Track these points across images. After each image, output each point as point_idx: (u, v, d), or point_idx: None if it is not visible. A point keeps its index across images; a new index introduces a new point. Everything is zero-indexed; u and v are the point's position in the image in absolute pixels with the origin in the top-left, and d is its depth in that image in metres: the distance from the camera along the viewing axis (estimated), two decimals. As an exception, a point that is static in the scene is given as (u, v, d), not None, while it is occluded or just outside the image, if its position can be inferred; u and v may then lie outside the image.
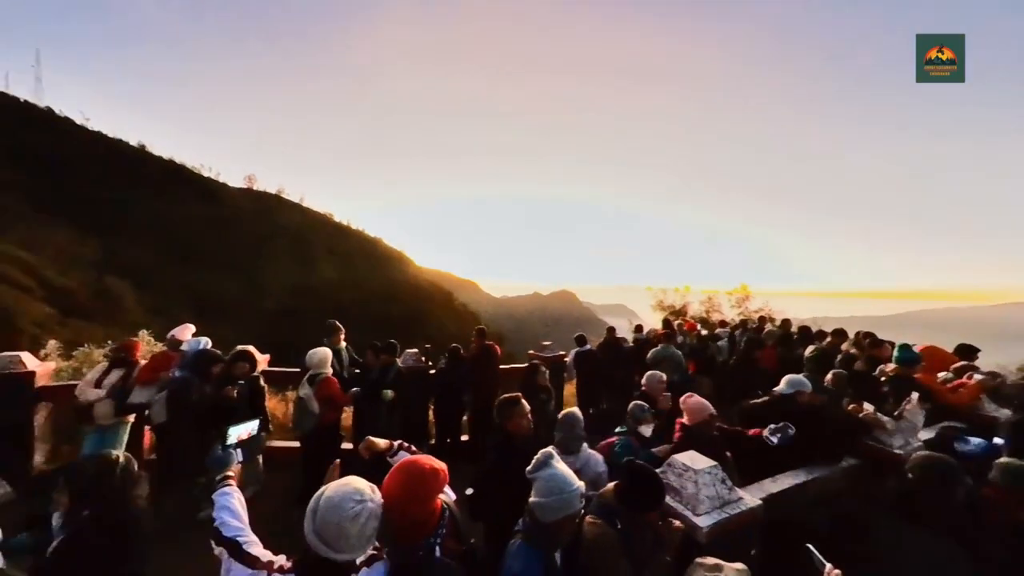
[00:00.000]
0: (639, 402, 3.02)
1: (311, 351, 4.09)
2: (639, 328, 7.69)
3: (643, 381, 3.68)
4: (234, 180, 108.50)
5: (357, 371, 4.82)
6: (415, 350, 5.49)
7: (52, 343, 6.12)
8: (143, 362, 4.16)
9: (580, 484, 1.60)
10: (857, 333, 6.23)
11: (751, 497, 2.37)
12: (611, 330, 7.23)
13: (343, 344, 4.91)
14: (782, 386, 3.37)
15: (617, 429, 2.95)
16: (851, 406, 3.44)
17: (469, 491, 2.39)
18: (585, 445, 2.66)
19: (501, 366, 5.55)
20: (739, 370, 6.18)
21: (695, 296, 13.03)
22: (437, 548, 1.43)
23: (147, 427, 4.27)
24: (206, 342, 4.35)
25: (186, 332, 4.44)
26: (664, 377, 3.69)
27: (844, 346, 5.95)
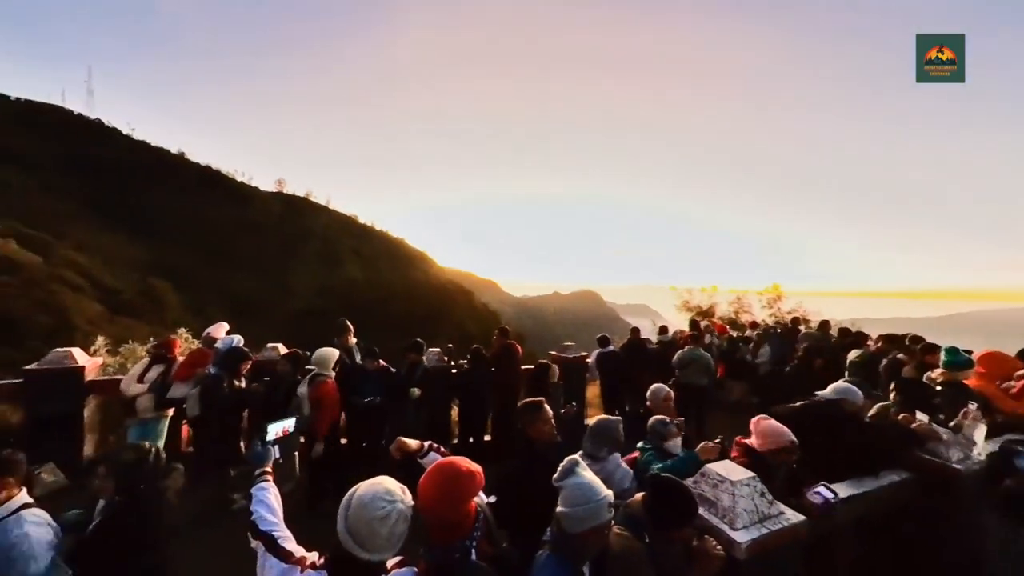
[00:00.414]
0: (661, 417, 2.75)
1: (317, 350, 4.01)
2: (663, 329, 7.45)
3: (647, 397, 3.34)
4: (265, 184, 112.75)
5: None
6: (438, 349, 5.52)
7: (101, 339, 6.46)
8: (181, 359, 4.38)
9: (608, 493, 1.54)
10: (906, 336, 5.81)
11: (793, 513, 2.20)
12: (635, 331, 7.03)
13: (352, 342, 4.83)
14: (828, 392, 3.11)
15: (640, 445, 2.70)
16: (901, 416, 3.19)
17: (492, 499, 2.27)
18: (617, 456, 2.56)
19: (522, 367, 5.51)
20: (797, 378, 5.54)
21: (723, 296, 12.45)
22: (472, 551, 1.43)
23: (184, 421, 4.46)
24: (238, 340, 4.51)
25: (220, 330, 4.61)
26: (671, 393, 3.32)
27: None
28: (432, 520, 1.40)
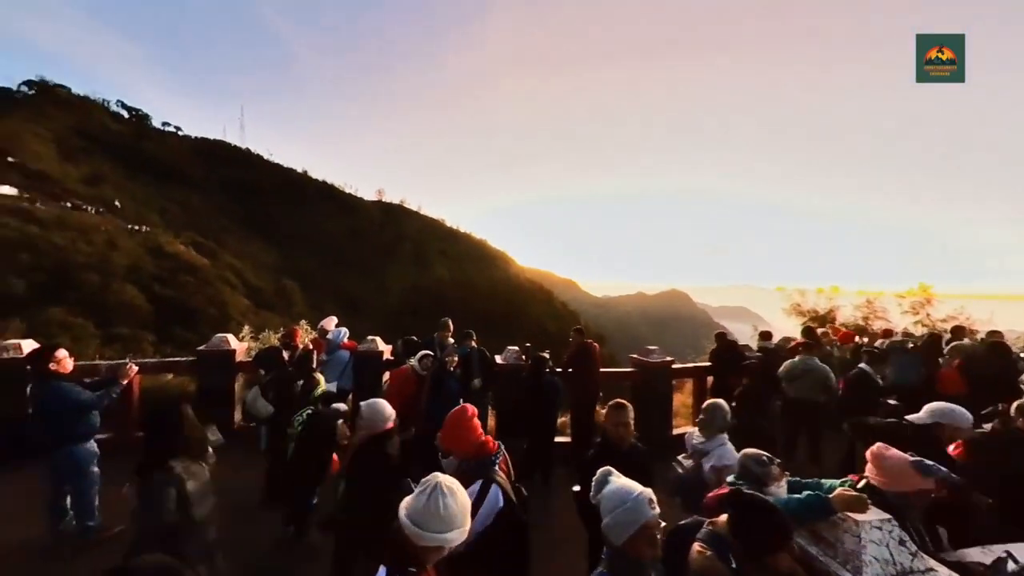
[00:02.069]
0: (756, 453, 2.15)
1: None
2: (766, 335, 6.44)
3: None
4: (367, 193, 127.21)
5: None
6: (516, 348, 5.38)
7: (247, 328, 7.35)
8: (301, 346, 4.90)
9: (645, 490, 1.45)
10: None
11: (950, 573, 1.67)
12: (721, 336, 6.14)
13: (451, 341, 4.98)
14: (922, 415, 2.65)
15: (729, 480, 2.18)
16: None
17: (576, 488, 2.34)
18: (724, 436, 2.66)
19: (602, 368, 5.27)
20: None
21: (847, 299, 10.36)
22: (495, 468, 1.98)
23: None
24: (345, 332, 5.31)
25: (330, 323, 5.29)
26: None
27: None
28: (460, 450, 2.04)
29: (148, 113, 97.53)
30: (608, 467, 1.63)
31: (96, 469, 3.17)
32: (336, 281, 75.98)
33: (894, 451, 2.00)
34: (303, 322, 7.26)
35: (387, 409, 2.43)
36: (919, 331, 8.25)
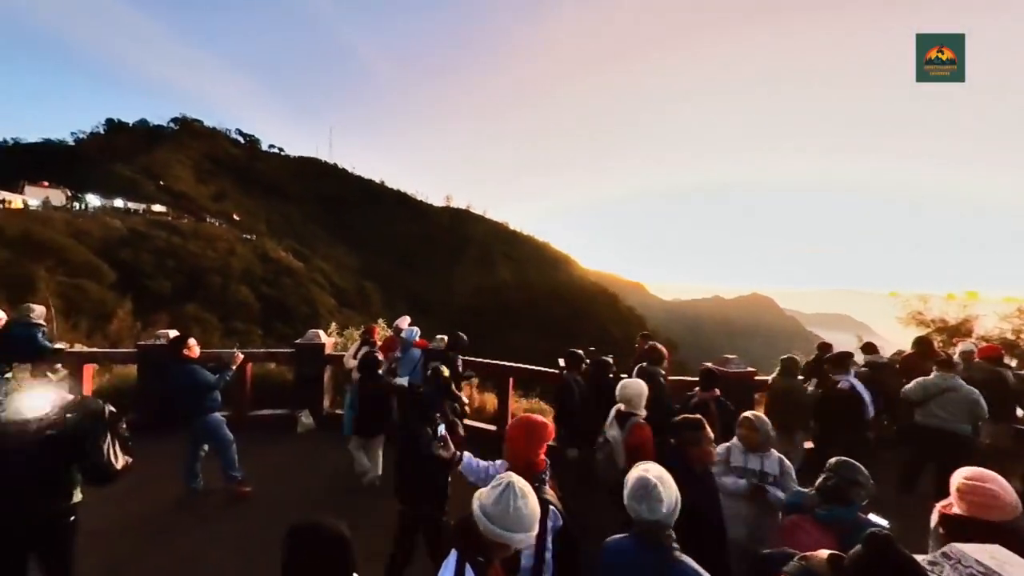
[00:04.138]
0: (852, 462, 1.95)
1: (625, 382, 3.20)
2: (869, 347, 5.58)
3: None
4: (436, 199, 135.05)
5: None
6: (579, 351, 5.35)
7: (333, 325, 7.94)
8: (379, 342, 5.44)
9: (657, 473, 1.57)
10: None
11: None
12: (825, 347, 5.48)
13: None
14: None
15: (820, 514, 1.93)
16: None
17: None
18: (773, 451, 2.59)
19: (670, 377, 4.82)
20: None
21: (988, 306, 8.79)
22: (544, 487, 1.84)
23: None
24: (417, 331, 5.41)
25: (404, 322, 5.58)
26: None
27: None
28: (515, 458, 1.92)
29: (258, 138, 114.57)
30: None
31: (228, 432, 3.94)
32: (407, 282, 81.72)
33: (990, 481, 1.80)
34: (381, 320, 7.74)
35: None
36: None
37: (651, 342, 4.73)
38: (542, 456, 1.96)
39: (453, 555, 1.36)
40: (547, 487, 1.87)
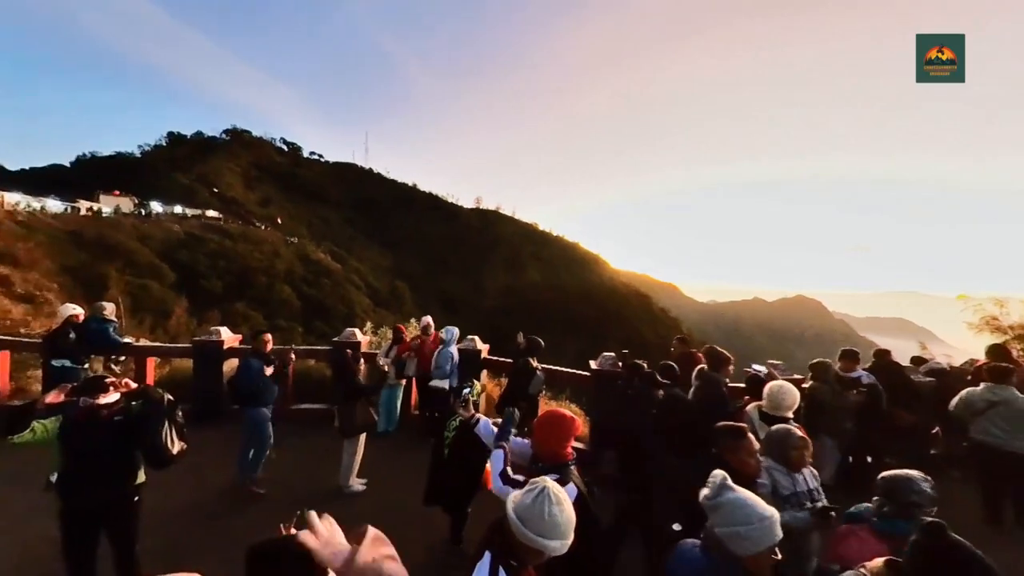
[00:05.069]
0: (916, 473, 1.86)
1: (771, 384, 2.97)
2: (919, 360, 5.29)
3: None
4: (466, 201, 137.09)
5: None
6: (611, 354, 5.12)
7: (368, 324, 8.63)
8: (407, 341, 5.74)
9: (774, 512, 1.43)
10: None
11: None
12: (883, 354, 4.96)
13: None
14: None
15: (878, 524, 1.88)
16: None
17: (677, 526, 2.08)
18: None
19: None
20: None
21: None
22: (571, 468, 2.00)
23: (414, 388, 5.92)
24: (456, 331, 5.60)
25: (427, 321, 5.92)
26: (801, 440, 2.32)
27: None
28: (542, 449, 2.03)
29: (300, 145, 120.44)
30: (724, 472, 1.55)
31: (270, 431, 4.19)
32: (438, 282, 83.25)
33: None
34: (412, 320, 8.10)
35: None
36: None
37: (709, 345, 4.60)
38: (569, 449, 2.06)
39: (487, 556, 1.35)
40: (572, 470, 2.00)
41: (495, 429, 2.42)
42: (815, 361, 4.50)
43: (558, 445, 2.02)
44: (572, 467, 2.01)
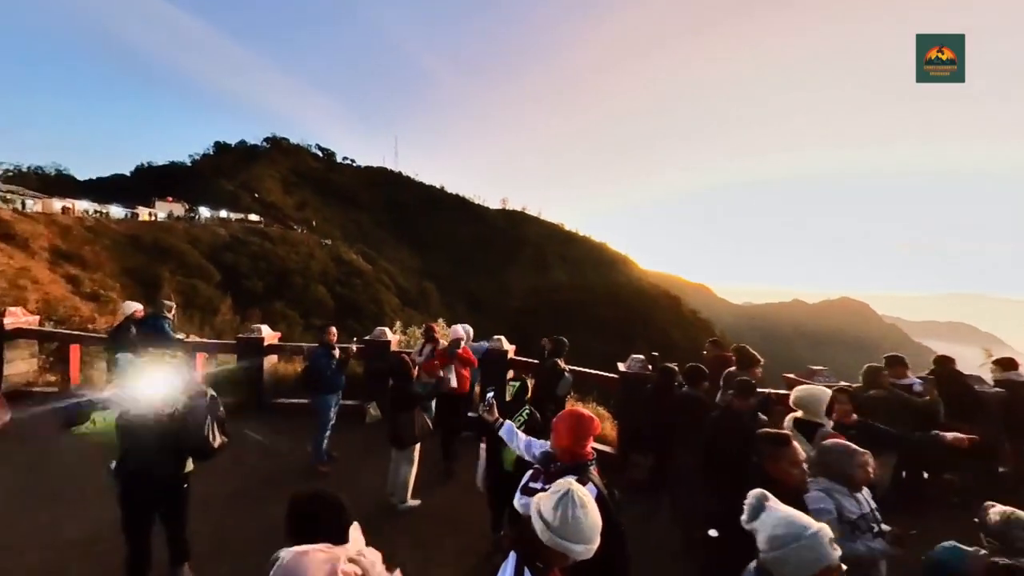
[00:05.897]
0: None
1: (799, 388, 2.96)
2: (1007, 362, 4.77)
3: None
4: (493, 202, 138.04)
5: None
6: (641, 356, 4.99)
7: (397, 324, 8.87)
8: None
9: (823, 527, 1.34)
10: None
11: None
12: (943, 361, 4.52)
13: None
14: None
15: (946, 545, 1.84)
16: None
17: (713, 532, 2.10)
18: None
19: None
20: None
21: None
22: (591, 468, 1.98)
23: None
24: (477, 338, 5.68)
25: (456, 333, 6.20)
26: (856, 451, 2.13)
27: None
28: (562, 449, 2.00)
29: (334, 151, 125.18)
30: (762, 490, 1.49)
31: (332, 416, 4.59)
32: (465, 283, 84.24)
33: None
34: (440, 320, 8.32)
35: None
36: None
37: (737, 344, 4.43)
38: (588, 448, 2.04)
39: (512, 558, 1.34)
40: (592, 470, 1.98)
41: (519, 433, 2.44)
42: (868, 366, 4.17)
43: (577, 445, 1.99)
44: (591, 467, 1.98)
